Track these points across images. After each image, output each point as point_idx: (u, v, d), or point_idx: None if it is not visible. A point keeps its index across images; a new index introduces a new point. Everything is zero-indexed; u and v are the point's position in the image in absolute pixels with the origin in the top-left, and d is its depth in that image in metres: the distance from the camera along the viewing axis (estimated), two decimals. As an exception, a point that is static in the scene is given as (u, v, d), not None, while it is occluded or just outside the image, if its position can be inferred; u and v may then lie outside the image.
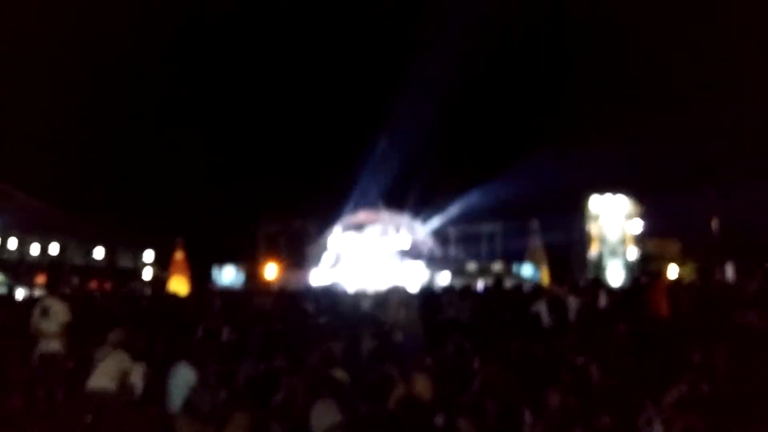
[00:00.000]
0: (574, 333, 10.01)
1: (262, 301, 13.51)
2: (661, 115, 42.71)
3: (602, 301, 11.24)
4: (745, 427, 6.23)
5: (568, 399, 6.01)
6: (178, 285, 36.59)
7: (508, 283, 21.01)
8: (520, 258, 41.10)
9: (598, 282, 14.00)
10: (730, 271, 33.54)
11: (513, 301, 13.33)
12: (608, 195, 42.05)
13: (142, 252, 53.59)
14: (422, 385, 5.90)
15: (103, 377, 7.83)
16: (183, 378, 8.03)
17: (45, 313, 7.97)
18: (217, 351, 10.86)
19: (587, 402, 6.28)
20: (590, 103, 45.28)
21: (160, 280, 44.85)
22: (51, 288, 9.65)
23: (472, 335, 11.17)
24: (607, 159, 40.52)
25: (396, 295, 11.99)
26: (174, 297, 19.96)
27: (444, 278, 33.40)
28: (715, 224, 40.59)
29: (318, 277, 37.06)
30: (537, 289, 15.57)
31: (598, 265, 41.39)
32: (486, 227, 42.76)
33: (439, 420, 5.60)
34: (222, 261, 41.12)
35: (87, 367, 8.12)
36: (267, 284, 33.41)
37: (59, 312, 7.97)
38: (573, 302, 11.47)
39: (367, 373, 8.00)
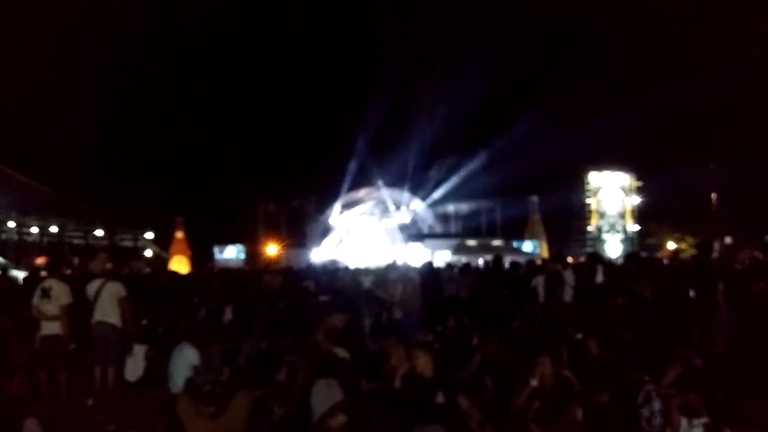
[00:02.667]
0: (572, 308, 10.05)
1: (270, 280, 13.51)
2: (660, 91, 42.52)
3: (599, 276, 11.20)
4: (743, 400, 6.28)
5: (562, 374, 6.03)
6: (179, 264, 36.67)
7: (508, 259, 21.05)
8: (520, 233, 41.21)
9: (597, 256, 13.98)
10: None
11: (512, 277, 13.35)
12: (607, 170, 42.05)
13: (143, 231, 53.56)
14: (423, 362, 5.92)
15: (105, 311, 7.95)
16: (185, 358, 8.06)
17: (46, 294, 7.96)
18: (219, 330, 10.91)
19: (586, 378, 6.31)
20: (590, 80, 45.02)
21: (160, 260, 44.93)
22: (51, 269, 9.64)
23: (471, 312, 11.23)
24: (606, 135, 40.49)
25: (396, 272, 12.00)
26: (175, 276, 19.96)
27: (444, 255, 33.42)
28: (714, 198, 40.64)
29: (319, 255, 37.12)
30: (535, 265, 15.61)
31: (597, 239, 41.50)
32: (486, 203, 42.80)
33: (440, 397, 5.63)
34: (222, 240, 41.16)
35: (89, 349, 8.19)
36: (273, 262, 33.43)
37: (60, 293, 7.97)
38: (569, 278, 11.46)
39: (368, 350, 8.06)
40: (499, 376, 6.66)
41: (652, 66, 45.61)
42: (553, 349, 6.67)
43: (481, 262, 22.97)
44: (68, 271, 18.48)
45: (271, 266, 26.86)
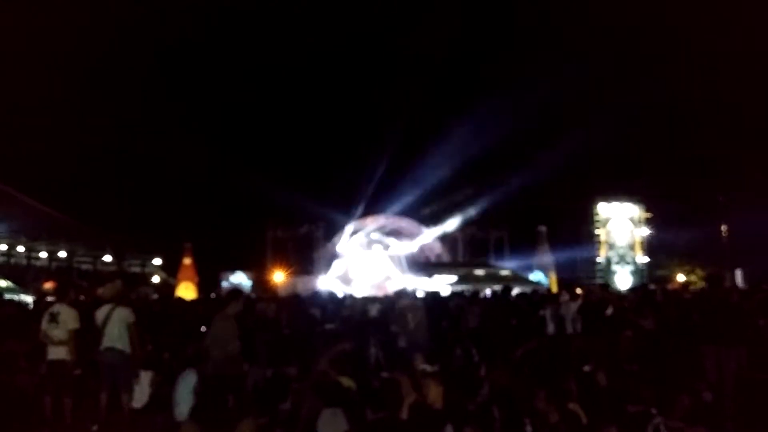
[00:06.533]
0: (580, 340, 9.98)
1: (265, 307, 13.38)
2: (669, 122, 42.66)
3: (609, 308, 11.13)
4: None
5: (568, 407, 5.98)
6: (186, 291, 36.64)
7: (517, 289, 20.94)
8: (529, 264, 41.05)
9: (607, 287, 13.91)
10: (739, 278, 33.33)
11: (520, 307, 13.28)
12: (616, 202, 42.00)
13: (151, 257, 53.62)
14: (435, 393, 5.88)
15: (113, 337, 7.92)
16: (191, 384, 8.05)
17: (54, 319, 7.97)
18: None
19: (594, 410, 6.25)
20: (598, 110, 45.22)
21: (168, 286, 44.92)
22: (60, 294, 9.67)
23: (479, 342, 11.15)
24: (615, 165, 40.54)
25: (404, 300, 11.85)
26: (182, 302, 19.95)
27: (452, 284, 33.28)
28: (724, 231, 40.43)
29: (326, 282, 37.05)
30: (544, 296, 15.51)
31: (607, 271, 41.31)
32: (494, 233, 42.72)
33: (449, 429, 5.58)
34: (230, 267, 41.16)
35: (95, 374, 8.18)
36: (271, 289, 33.28)
37: (68, 319, 7.97)
38: (572, 309, 11.42)
39: (375, 380, 8.00)
40: (506, 407, 6.60)
41: (663, 97, 45.78)
42: (550, 383, 6.64)
43: (489, 292, 22.82)
44: (81, 297, 18.51)
45: (268, 293, 26.62)
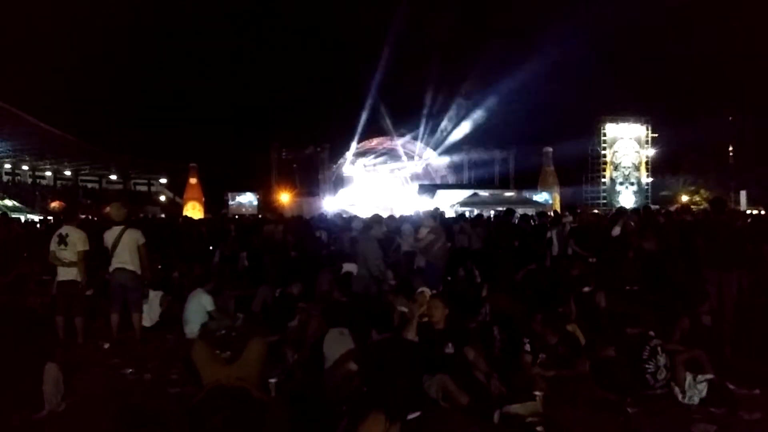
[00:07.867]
0: (581, 261, 10.06)
1: (271, 229, 13.44)
2: (680, 39, 41.64)
3: (617, 230, 11.10)
4: (750, 358, 6.34)
5: (566, 329, 6.11)
6: (193, 210, 36.93)
7: (521, 210, 20.96)
8: (533, 184, 40.99)
9: (622, 211, 13.72)
10: (743, 199, 33.33)
11: (523, 229, 13.34)
12: (622, 122, 41.50)
13: (157, 177, 53.67)
14: (439, 314, 6.00)
15: (124, 258, 8.06)
16: (200, 303, 8.23)
17: (62, 241, 8.03)
18: (234, 277, 11.06)
19: (593, 331, 6.39)
20: (605, 29, 44.11)
21: (175, 205, 45.20)
22: (68, 216, 9.69)
23: (482, 263, 11.29)
24: (622, 86, 39.88)
25: (429, 221, 11.51)
26: (190, 222, 20.10)
27: (456, 205, 33.33)
28: (730, 151, 40.15)
29: (331, 203, 37.18)
30: (548, 217, 15.54)
31: (611, 191, 41.23)
32: (499, 153, 42.50)
33: (450, 348, 5.73)
34: (236, 187, 41.27)
35: (106, 295, 8.33)
36: (277, 210, 33.33)
37: (77, 240, 8.03)
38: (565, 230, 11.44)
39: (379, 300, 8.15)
40: (506, 327, 6.76)
41: (671, 13, 44.57)
42: (549, 305, 6.77)
43: (492, 213, 22.88)
44: (88, 216, 18.59)
45: (274, 214, 26.61)
